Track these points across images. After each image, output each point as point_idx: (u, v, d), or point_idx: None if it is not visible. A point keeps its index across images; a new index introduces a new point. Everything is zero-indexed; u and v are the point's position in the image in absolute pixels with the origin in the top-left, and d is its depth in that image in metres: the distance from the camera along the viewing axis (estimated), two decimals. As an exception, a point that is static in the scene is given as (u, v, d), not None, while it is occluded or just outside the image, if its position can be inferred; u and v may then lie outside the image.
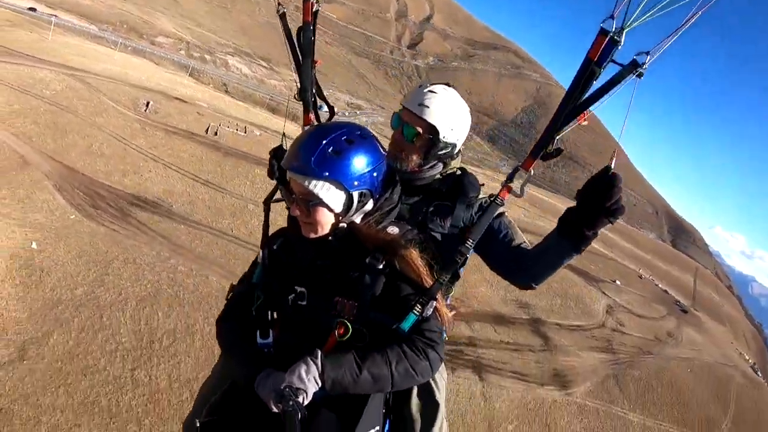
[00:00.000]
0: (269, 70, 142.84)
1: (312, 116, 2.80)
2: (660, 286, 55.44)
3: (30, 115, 21.65)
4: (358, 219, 2.06)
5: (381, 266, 1.95)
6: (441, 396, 2.58)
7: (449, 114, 2.60)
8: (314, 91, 2.80)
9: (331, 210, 1.95)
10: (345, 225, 2.03)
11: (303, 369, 1.72)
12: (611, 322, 30.89)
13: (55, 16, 77.37)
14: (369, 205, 2.06)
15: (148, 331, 13.22)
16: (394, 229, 2.06)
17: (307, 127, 2.47)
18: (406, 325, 1.91)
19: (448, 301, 2.72)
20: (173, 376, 12.03)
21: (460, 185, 2.64)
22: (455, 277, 2.68)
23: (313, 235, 1.99)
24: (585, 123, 2.10)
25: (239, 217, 21.05)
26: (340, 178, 1.88)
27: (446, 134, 2.62)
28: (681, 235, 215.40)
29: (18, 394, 10.29)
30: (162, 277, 15.43)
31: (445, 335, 2.11)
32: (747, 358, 48.97)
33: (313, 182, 1.87)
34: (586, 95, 2.05)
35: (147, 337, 13.00)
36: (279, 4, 2.71)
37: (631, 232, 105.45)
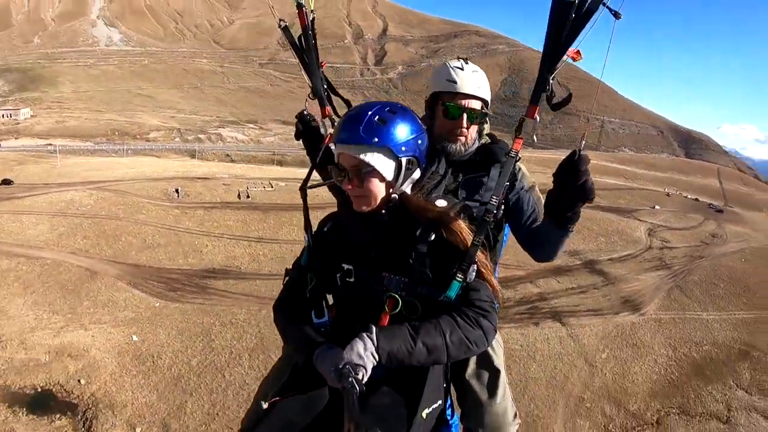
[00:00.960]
0: (260, 129, 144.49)
1: (329, 109, 2.92)
2: (689, 196, 56.01)
3: (77, 232, 22.97)
4: (408, 189, 2.07)
5: (432, 238, 1.95)
6: (500, 362, 2.68)
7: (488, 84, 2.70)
8: (325, 87, 2.94)
9: (382, 179, 1.96)
10: (396, 196, 2.03)
11: (360, 345, 1.73)
12: (656, 242, 31.68)
13: (50, 144, 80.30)
14: (417, 174, 2.08)
15: (270, 373, 14.17)
16: (442, 202, 2.05)
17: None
18: (452, 293, 1.90)
19: (497, 274, 2.66)
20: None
21: (490, 153, 2.64)
22: (495, 242, 2.73)
23: (366, 208, 2.00)
24: (581, 60, 2.06)
25: (302, 255, 22.13)
26: (389, 144, 1.92)
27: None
28: (692, 145, 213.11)
29: (176, 466, 11.37)
30: (261, 326, 16.67)
31: (497, 305, 2.10)
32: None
33: (364, 151, 1.90)
34: (566, 31, 2.02)
35: (271, 379, 13.94)
36: (281, 20, 2.86)
37: (643, 158, 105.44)
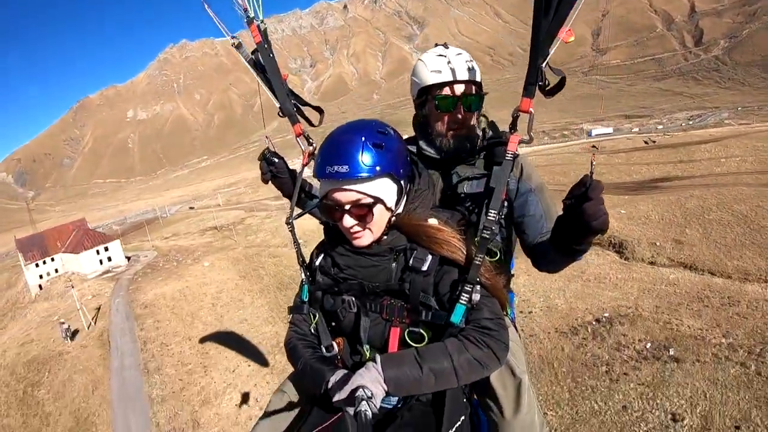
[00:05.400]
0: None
1: (301, 126, 2.73)
2: None
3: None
4: (400, 210, 1.95)
5: (426, 267, 1.86)
6: (522, 369, 2.42)
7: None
8: (293, 102, 2.73)
9: (387, 208, 1.86)
10: (393, 219, 1.92)
11: (367, 375, 1.67)
12: None
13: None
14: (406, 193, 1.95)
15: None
16: (433, 220, 1.93)
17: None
18: (456, 318, 1.81)
19: (513, 266, 2.60)
20: None
21: (493, 153, 2.39)
22: (508, 252, 2.53)
23: (367, 242, 1.89)
24: (572, 39, 1.92)
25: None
26: (391, 170, 1.79)
27: None
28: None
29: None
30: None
31: (512, 313, 2.14)
32: None
33: (367, 181, 1.77)
34: (555, 10, 1.87)
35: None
36: (233, 36, 2.64)
37: None
